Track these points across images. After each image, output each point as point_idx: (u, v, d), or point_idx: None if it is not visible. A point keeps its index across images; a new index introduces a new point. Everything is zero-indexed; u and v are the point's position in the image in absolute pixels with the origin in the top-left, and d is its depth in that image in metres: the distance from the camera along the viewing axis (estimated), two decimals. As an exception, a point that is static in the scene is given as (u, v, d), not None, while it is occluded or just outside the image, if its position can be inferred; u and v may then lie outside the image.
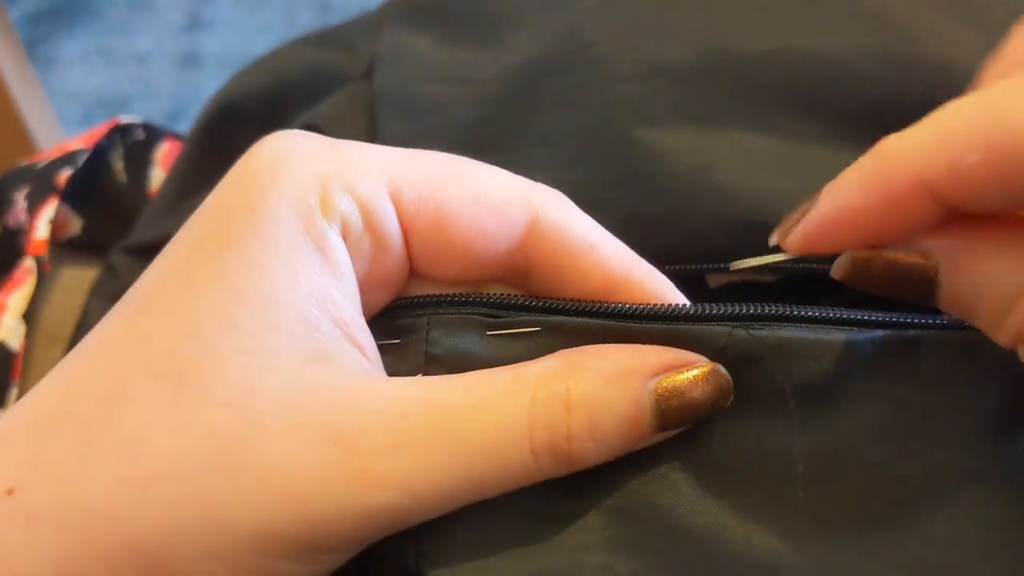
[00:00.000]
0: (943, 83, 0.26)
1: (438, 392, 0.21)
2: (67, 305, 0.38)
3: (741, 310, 0.22)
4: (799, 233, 0.20)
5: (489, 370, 0.22)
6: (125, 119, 0.44)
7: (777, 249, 0.21)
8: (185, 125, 0.45)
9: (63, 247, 0.41)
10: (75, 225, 0.41)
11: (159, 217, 0.40)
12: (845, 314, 0.22)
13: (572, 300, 0.23)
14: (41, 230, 0.37)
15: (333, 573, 0.22)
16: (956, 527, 0.21)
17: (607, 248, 0.23)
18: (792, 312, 0.22)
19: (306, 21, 1.48)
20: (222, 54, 1.45)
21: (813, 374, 0.22)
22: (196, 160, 0.40)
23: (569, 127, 0.30)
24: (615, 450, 0.22)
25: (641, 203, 0.28)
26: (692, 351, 0.22)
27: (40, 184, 0.39)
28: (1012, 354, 0.20)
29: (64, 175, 0.39)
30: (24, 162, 0.42)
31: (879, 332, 0.22)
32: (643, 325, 0.22)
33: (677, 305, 0.23)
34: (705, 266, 0.27)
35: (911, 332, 0.22)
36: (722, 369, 0.22)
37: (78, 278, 0.39)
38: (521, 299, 0.24)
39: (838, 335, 0.22)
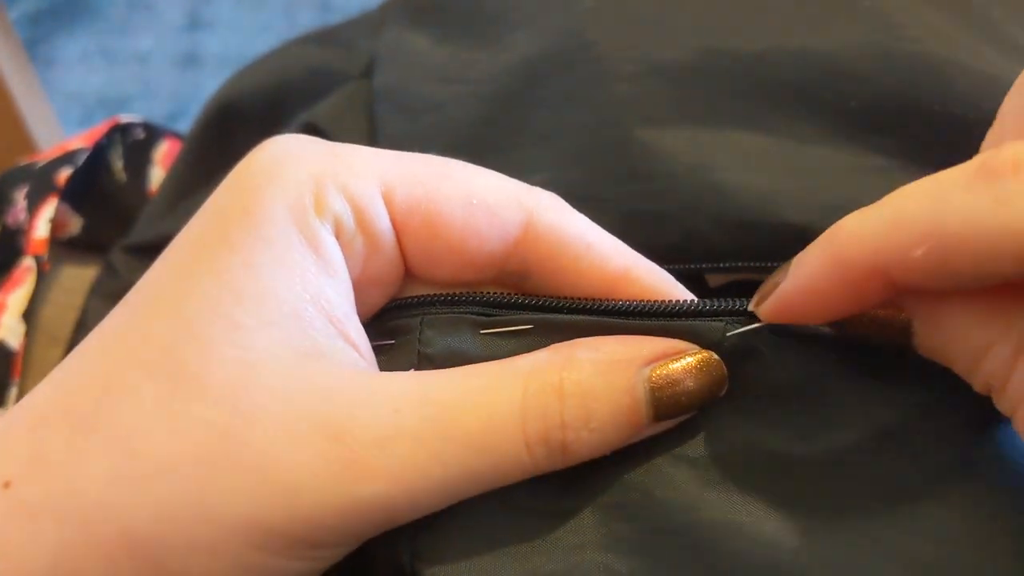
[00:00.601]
0: (941, 82, 0.26)
1: (430, 386, 0.21)
2: (67, 304, 0.38)
3: (737, 305, 0.22)
4: (769, 306, 0.21)
5: (481, 364, 0.22)
6: (125, 118, 0.44)
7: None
8: (185, 125, 0.45)
9: (63, 246, 0.41)
10: (75, 224, 0.41)
11: (159, 216, 0.40)
12: None
13: (565, 298, 0.23)
14: (41, 229, 0.37)
15: (329, 573, 0.22)
16: (952, 523, 0.21)
17: (604, 247, 0.24)
18: None
19: (306, 21, 1.48)
20: (222, 54, 1.45)
21: (809, 369, 0.22)
22: (196, 159, 0.40)
23: (568, 126, 0.30)
24: (610, 441, 0.22)
25: (640, 202, 0.28)
26: None
27: (40, 183, 0.39)
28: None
29: (64, 174, 0.39)
30: (24, 161, 0.42)
31: None
32: (637, 321, 0.23)
33: (672, 301, 0.23)
34: (704, 265, 0.27)
35: None
36: (715, 357, 0.22)
37: (78, 277, 0.39)
38: (514, 297, 0.24)
39: (840, 335, 0.22)
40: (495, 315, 0.23)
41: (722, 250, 0.27)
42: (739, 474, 0.22)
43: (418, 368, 0.23)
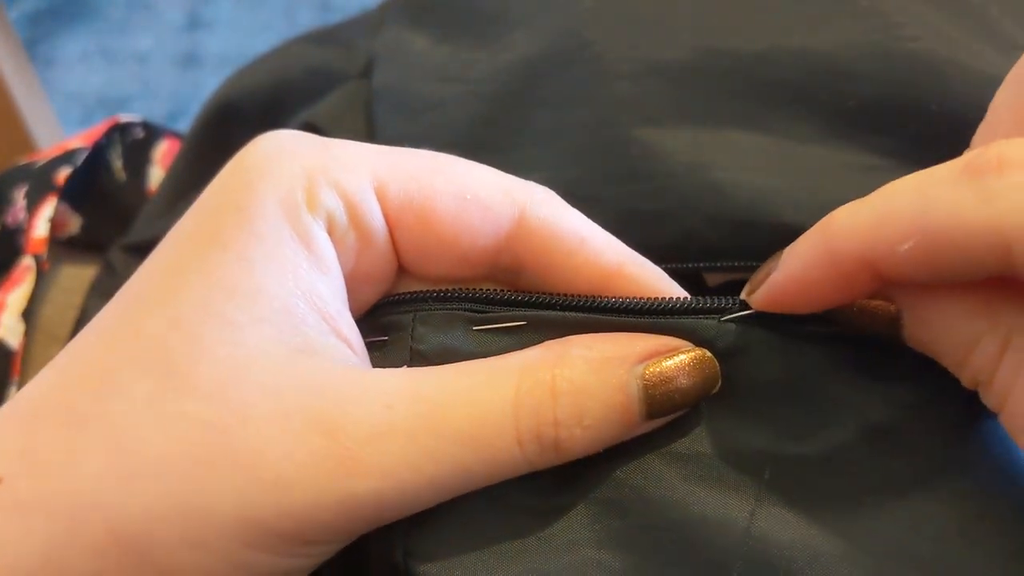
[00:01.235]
0: (940, 82, 0.26)
1: (423, 382, 0.21)
2: (66, 303, 0.38)
3: (730, 303, 0.22)
4: (761, 295, 0.22)
5: (474, 360, 0.22)
6: (124, 118, 0.44)
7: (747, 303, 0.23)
8: (185, 124, 0.46)
9: (62, 245, 0.41)
10: (74, 223, 0.42)
11: (158, 215, 0.40)
12: None
13: (558, 295, 0.23)
14: (40, 228, 0.37)
15: (322, 570, 0.22)
16: (944, 517, 0.21)
17: (598, 242, 0.23)
18: None
19: (306, 21, 1.48)
20: (222, 54, 1.45)
21: (801, 367, 0.22)
22: (195, 158, 0.40)
23: (567, 125, 0.30)
24: (603, 438, 0.22)
25: (639, 201, 0.28)
26: None
27: (39, 183, 0.39)
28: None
29: (63, 174, 0.39)
30: (23, 161, 0.42)
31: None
32: (630, 319, 0.23)
33: (665, 298, 0.23)
34: (702, 264, 0.27)
35: None
36: (708, 354, 0.22)
37: (77, 276, 0.39)
38: (507, 294, 0.24)
39: (830, 329, 0.22)
40: (488, 312, 0.23)
41: (720, 249, 0.27)
42: (731, 471, 0.22)
43: (411, 365, 0.23)
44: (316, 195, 0.22)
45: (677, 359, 0.22)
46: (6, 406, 0.21)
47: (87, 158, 0.40)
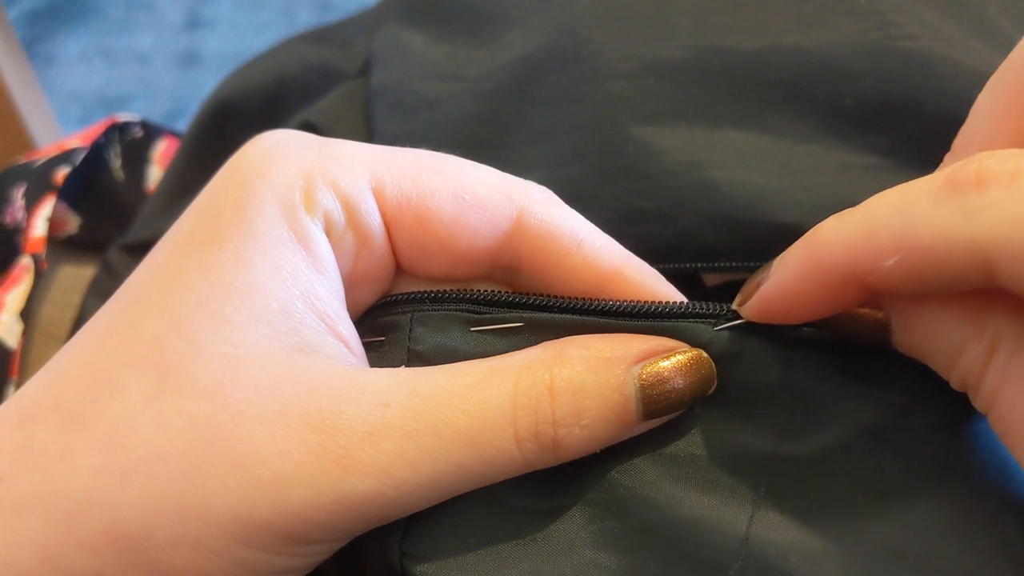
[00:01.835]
0: (936, 81, 0.26)
1: (420, 381, 0.21)
2: (64, 303, 0.38)
3: (726, 308, 0.22)
4: (752, 306, 0.22)
5: (472, 360, 0.22)
6: (123, 117, 0.44)
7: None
8: (185, 124, 0.45)
9: (60, 245, 0.41)
10: (72, 223, 0.42)
11: (156, 215, 0.40)
12: None
13: (556, 296, 0.23)
14: (38, 228, 0.37)
15: (319, 570, 0.22)
16: (936, 516, 0.21)
17: (595, 244, 0.24)
18: None
19: (305, 20, 1.48)
20: (222, 53, 1.45)
21: (794, 370, 0.22)
22: (193, 158, 0.40)
23: (564, 124, 0.30)
24: (600, 438, 0.22)
25: (636, 200, 0.28)
26: None
27: (37, 182, 0.39)
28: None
29: (62, 173, 0.39)
30: (21, 160, 0.42)
31: None
32: (627, 322, 0.23)
33: (662, 302, 0.23)
34: (700, 264, 0.27)
35: None
36: (705, 355, 0.22)
37: (75, 276, 0.39)
38: (505, 295, 0.24)
39: (822, 334, 0.22)
40: (485, 313, 0.23)
41: (716, 248, 0.27)
42: (725, 473, 0.22)
43: (408, 365, 0.23)
44: (314, 195, 0.22)
45: (674, 359, 0.22)
46: (4, 405, 0.21)
47: (86, 157, 0.40)
